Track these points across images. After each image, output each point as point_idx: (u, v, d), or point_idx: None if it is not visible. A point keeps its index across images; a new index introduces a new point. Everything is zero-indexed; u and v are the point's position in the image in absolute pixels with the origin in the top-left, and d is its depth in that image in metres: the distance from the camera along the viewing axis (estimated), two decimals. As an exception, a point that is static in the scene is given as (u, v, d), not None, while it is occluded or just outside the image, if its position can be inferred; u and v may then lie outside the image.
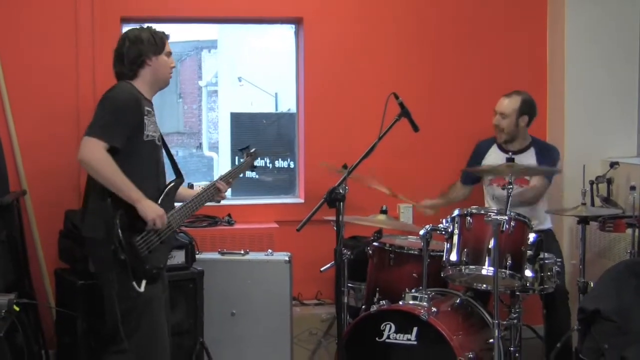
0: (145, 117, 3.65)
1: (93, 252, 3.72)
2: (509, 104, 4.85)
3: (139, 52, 3.76)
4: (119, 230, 3.47)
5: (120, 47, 3.79)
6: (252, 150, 4.33)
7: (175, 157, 4.00)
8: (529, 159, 4.86)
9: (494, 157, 4.92)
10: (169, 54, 3.87)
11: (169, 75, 3.89)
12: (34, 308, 4.51)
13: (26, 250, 4.61)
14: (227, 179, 4.08)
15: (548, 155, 4.91)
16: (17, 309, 3.68)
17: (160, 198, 3.71)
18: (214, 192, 3.99)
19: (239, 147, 4.40)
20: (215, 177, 4.09)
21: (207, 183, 4.07)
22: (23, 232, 4.61)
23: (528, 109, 4.87)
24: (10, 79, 4.78)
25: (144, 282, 3.53)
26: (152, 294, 3.62)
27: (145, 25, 3.88)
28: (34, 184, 4.79)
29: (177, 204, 3.87)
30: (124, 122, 3.58)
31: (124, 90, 3.69)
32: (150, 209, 3.55)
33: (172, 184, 3.84)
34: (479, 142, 5.10)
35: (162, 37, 3.84)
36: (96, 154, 3.48)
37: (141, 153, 3.66)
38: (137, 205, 3.53)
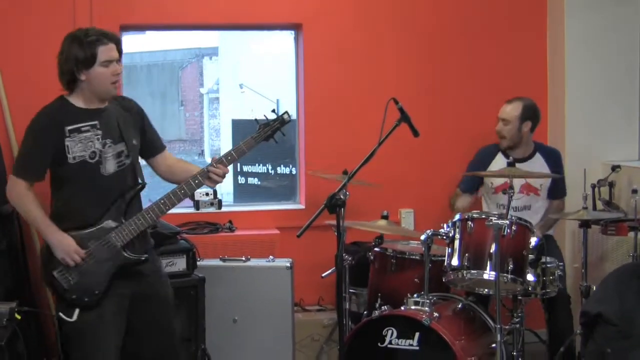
0: (67, 138, 3.47)
1: None
2: (510, 110, 4.83)
3: (67, 67, 3.52)
4: (42, 263, 3.54)
5: (58, 58, 3.59)
6: (270, 120, 3.65)
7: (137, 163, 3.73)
8: (536, 165, 4.84)
9: (500, 164, 4.86)
10: (108, 62, 3.51)
11: (110, 87, 3.56)
12: (35, 316, 4.50)
13: (27, 259, 4.61)
14: (221, 160, 3.63)
15: (556, 163, 4.92)
16: (18, 317, 3.68)
17: (104, 216, 3.53)
18: (200, 180, 3.60)
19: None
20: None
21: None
22: (23, 241, 4.60)
23: (531, 114, 4.84)
24: (9, 88, 4.79)
25: (76, 311, 3.46)
26: (86, 321, 3.48)
27: (85, 28, 3.58)
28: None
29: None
30: (36, 154, 3.53)
31: (42, 113, 3.57)
32: (58, 247, 3.46)
33: (121, 197, 3.58)
34: (481, 148, 5.07)
35: (94, 45, 3.48)
36: (11, 192, 3.56)
37: (71, 176, 3.53)
38: (48, 241, 3.50)
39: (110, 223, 3.54)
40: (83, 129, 3.51)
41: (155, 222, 3.66)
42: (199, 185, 3.65)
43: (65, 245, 3.47)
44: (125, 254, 3.54)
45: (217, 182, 3.66)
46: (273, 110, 3.71)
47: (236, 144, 3.68)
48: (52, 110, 3.57)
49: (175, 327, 3.83)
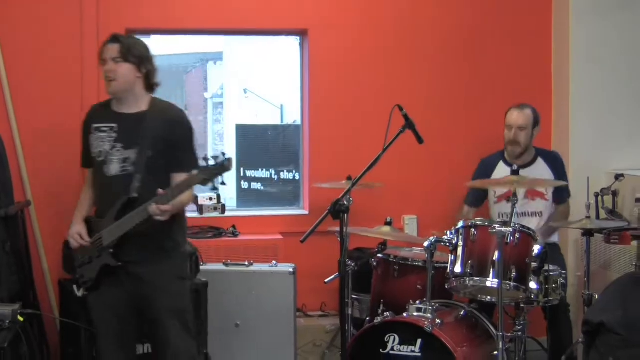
0: (90, 135, 3.74)
1: None
2: (525, 117, 4.81)
3: None
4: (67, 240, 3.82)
5: None
6: (210, 166, 3.30)
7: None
8: (539, 170, 4.83)
9: (502, 172, 4.85)
10: (103, 62, 3.71)
11: (106, 85, 3.72)
12: (38, 318, 4.51)
13: (31, 261, 4.61)
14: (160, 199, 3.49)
15: (558, 165, 4.91)
16: (21, 319, 3.69)
17: (105, 213, 3.66)
18: (143, 213, 3.52)
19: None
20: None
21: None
22: (28, 242, 4.61)
23: (539, 120, 4.87)
24: (15, 90, 4.80)
25: (81, 289, 3.79)
26: (91, 302, 3.78)
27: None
28: (39, 195, 4.80)
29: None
30: (83, 144, 3.84)
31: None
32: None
33: (118, 200, 3.60)
34: (483, 159, 5.06)
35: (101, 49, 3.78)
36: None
37: (94, 169, 3.80)
38: None
39: (107, 220, 3.65)
40: (103, 128, 3.72)
41: (137, 226, 3.52)
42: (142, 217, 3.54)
43: (71, 228, 3.76)
44: (107, 256, 3.64)
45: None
46: (223, 153, 3.33)
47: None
48: (92, 107, 3.93)
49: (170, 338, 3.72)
